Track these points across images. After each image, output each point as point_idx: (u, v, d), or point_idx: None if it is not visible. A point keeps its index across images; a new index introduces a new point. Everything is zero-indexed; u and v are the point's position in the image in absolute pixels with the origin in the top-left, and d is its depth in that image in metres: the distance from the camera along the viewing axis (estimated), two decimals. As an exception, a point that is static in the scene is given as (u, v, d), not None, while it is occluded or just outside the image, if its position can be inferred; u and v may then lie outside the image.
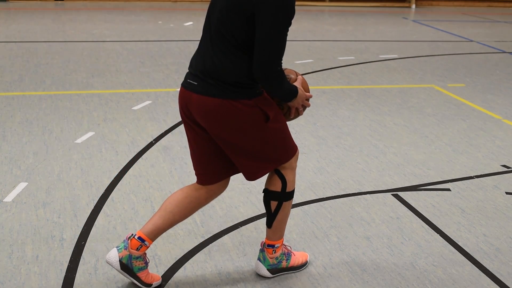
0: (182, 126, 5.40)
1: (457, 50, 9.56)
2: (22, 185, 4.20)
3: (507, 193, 4.41)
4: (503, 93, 7.10)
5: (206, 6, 13.50)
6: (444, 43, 10.21)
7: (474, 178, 4.66)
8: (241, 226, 3.77)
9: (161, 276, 3.20)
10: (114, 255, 3.01)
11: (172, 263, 3.34)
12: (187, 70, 2.98)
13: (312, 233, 3.73)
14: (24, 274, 3.20)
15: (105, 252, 3.40)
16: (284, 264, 3.27)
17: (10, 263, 3.28)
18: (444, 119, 6.04)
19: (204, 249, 3.50)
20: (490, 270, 3.41)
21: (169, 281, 3.19)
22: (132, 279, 3.05)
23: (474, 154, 5.14)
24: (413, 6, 14.63)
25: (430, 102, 6.59)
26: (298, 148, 5.11)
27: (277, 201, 3.10)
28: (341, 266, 3.38)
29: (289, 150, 3.05)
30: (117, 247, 3.03)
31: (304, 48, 9.28)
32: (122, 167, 4.58)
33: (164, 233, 3.60)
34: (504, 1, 15.73)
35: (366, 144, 5.27)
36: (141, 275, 3.05)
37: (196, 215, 3.87)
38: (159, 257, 3.40)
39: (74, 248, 3.45)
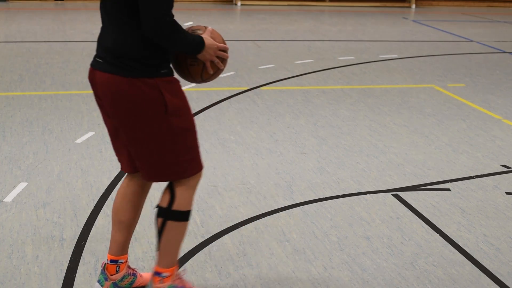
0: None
1: (457, 50, 9.55)
2: (22, 185, 4.20)
3: (507, 193, 4.41)
4: (503, 93, 7.10)
5: (206, 6, 13.50)
6: (444, 43, 10.21)
7: (474, 178, 4.66)
8: (241, 226, 3.77)
9: (161, 276, 3.19)
10: None
11: (172, 263, 3.34)
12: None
13: (312, 233, 3.73)
14: (24, 274, 3.20)
15: (105, 252, 3.39)
16: None
17: (10, 263, 3.28)
18: (444, 119, 6.04)
19: (204, 249, 3.50)
20: (490, 270, 3.41)
21: (169, 281, 3.19)
22: None
23: (474, 154, 5.14)
24: (413, 6, 14.63)
25: (430, 102, 6.59)
26: (298, 148, 5.14)
27: (162, 218, 2.79)
28: (341, 266, 3.38)
29: (192, 163, 2.77)
30: (98, 281, 3.00)
31: (304, 48, 9.28)
32: (122, 167, 4.58)
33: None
34: (504, 1, 15.73)
35: (366, 144, 5.27)
36: (136, 284, 3.05)
37: (196, 215, 3.87)
38: (159, 257, 3.39)
39: (74, 248, 3.45)
